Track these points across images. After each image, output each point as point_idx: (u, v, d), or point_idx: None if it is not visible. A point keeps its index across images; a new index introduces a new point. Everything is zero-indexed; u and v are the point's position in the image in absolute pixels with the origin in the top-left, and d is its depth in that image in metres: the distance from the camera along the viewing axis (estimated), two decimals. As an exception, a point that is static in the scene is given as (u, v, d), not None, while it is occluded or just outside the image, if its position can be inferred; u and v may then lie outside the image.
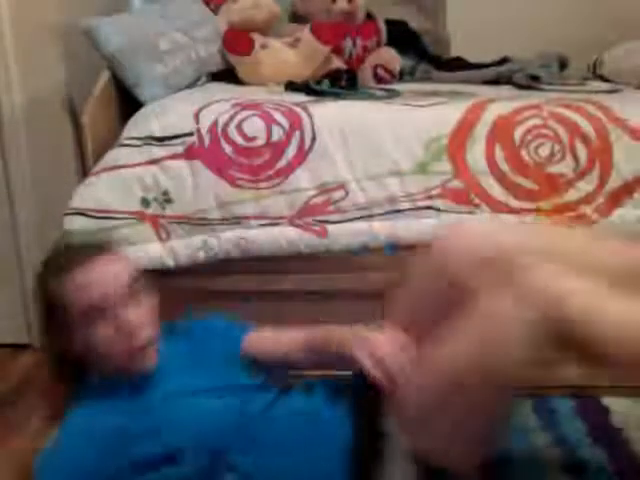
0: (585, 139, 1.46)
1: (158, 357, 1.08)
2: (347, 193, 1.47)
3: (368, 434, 1.02)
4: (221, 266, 1.52)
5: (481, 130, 1.47)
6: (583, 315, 0.88)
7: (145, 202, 1.46)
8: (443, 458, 0.96)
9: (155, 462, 1.00)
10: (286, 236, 1.47)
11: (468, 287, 0.94)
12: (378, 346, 1.02)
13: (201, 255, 1.49)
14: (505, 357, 0.91)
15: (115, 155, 1.46)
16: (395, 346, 1.02)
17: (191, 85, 1.85)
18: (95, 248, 1.05)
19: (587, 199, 1.48)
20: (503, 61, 2.09)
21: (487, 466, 1.02)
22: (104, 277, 1.01)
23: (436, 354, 0.96)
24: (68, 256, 1.05)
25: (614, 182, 1.47)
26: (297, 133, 1.46)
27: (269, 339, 1.24)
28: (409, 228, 1.48)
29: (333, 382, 1.17)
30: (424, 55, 2.17)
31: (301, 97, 1.65)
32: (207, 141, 1.45)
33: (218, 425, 1.06)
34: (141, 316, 1.03)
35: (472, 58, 2.13)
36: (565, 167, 1.47)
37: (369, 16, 2.17)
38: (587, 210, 1.48)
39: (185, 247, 1.48)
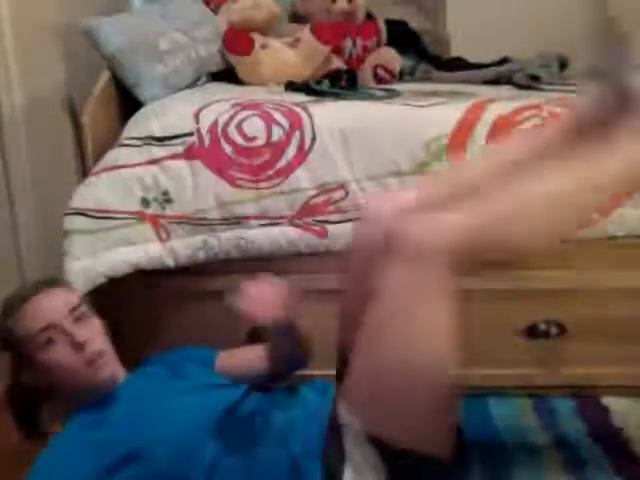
0: (585, 139, 1.46)
1: (125, 380, 1.19)
2: (347, 193, 1.47)
3: (333, 429, 1.03)
4: (221, 266, 1.52)
5: (481, 130, 1.46)
6: (459, 236, 0.92)
7: (145, 202, 1.46)
8: (403, 440, 0.96)
9: (120, 464, 1.04)
10: (286, 236, 1.47)
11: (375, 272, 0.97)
12: (250, 291, 1.17)
13: (201, 255, 1.49)
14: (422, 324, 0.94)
15: (115, 155, 1.46)
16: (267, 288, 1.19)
17: (191, 85, 1.85)
18: (39, 285, 1.17)
19: (587, 199, 1.48)
20: (503, 61, 2.08)
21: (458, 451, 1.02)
22: (49, 304, 1.13)
23: (361, 339, 0.98)
24: (16, 298, 1.16)
25: (614, 182, 1.47)
26: (297, 133, 1.46)
27: (238, 354, 1.32)
28: (409, 228, 1.48)
29: (317, 383, 1.22)
30: (424, 55, 2.17)
31: (301, 97, 1.65)
32: (207, 141, 1.45)
33: (187, 424, 1.10)
34: (88, 333, 1.13)
35: (472, 58, 2.13)
36: (565, 167, 1.47)
37: (369, 16, 2.17)
38: (587, 210, 1.48)
39: (185, 247, 1.48)
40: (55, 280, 1.23)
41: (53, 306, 1.13)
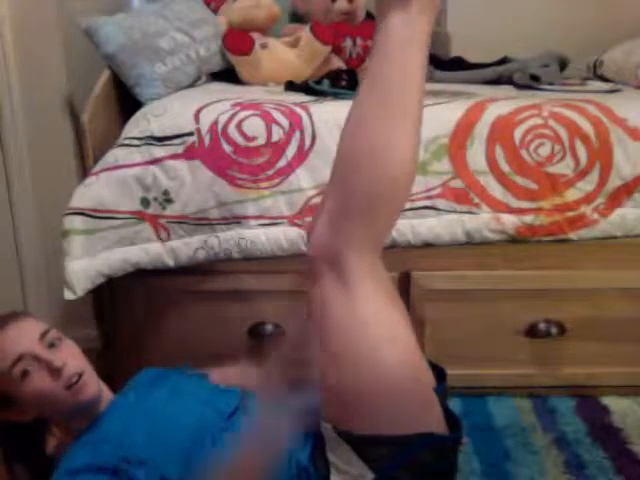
0: (585, 139, 1.46)
1: (114, 399, 1.17)
2: (347, 193, 1.47)
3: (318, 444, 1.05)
4: (221, 266, 1.52)
5: (481, 130, 1.47)
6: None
7: (145, 202, 1.46)
8: (373, 427, 0.98)
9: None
10: (286, 236, 1.47)
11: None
12: None
13: (201, 255, 1.49)
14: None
15: (115, 155, 1.46)
16: None
17: (191, 85, 1.85)
18: (3, 320, 1.14)
19: (587, 199, 1.48)
20: (503, 61, 2.08)
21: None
22: (17, 336, 1.10)
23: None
24: None
25: (614, 182, 1.47)
26: (297, 133, 1.46)
27: (232, 372, 1.32)
28: (409, 228, 1.48)
29: None
30: (424, 55, 2.16)
31: (301, 97, 1.65)
32: (207, 141, 1.45)
33: (188, 429, 1.10)
34: (64, 356, 1.11)
35: (472, 58, 2.13)
36: (565, 167, 1.47)
37: (369, 16, 2.17)
38: (587, 210, 1.48)
39: (185, 247, 1.48)
40: (20, 312, 1.20)
41: (22, 336, 1.10)
